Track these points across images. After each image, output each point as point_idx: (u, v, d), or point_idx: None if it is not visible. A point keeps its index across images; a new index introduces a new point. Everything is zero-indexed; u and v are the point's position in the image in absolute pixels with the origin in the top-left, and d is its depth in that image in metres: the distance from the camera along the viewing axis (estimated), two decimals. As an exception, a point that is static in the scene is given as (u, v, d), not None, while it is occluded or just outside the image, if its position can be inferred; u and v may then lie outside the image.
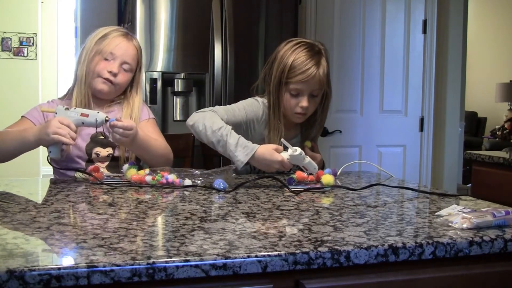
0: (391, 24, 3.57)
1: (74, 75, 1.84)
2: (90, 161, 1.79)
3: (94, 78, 1.80)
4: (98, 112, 1.61)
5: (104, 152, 1.81)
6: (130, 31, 1.88)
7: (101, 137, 1.80)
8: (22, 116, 1.81)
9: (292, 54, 1.76)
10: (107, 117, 1.60)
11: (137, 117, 1.85)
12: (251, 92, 1.93)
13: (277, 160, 1.62)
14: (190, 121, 1.78)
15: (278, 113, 1.82)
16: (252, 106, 1.86)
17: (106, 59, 1.79)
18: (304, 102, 1.77)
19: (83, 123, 1.61)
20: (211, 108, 1.81)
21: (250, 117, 1.84)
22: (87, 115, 1.61)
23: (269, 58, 1.86)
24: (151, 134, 1.82)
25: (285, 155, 1.62)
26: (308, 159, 1.62)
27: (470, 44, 5.01)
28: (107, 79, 1.79)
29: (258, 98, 1.89)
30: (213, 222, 1.12)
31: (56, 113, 1.64)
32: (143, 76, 2.83)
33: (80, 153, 1.78)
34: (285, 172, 1.76)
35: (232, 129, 1.70)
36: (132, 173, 1.57)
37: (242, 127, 1.84)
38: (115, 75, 1.79)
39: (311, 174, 1.62)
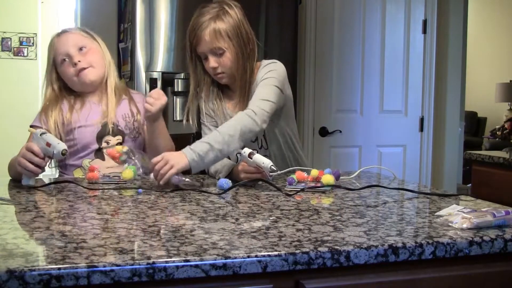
0: (391, 24, 3.56)
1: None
2: (99, 150, 1.82)
3: (73, 83, 1.84)
4: (58, 143, 1.51)
5: (114, 140, 1.83)
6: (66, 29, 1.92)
7: (111, 125, 1.83)
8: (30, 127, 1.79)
9: (191, 22, 1.80)
10: (64, 150, 1.50)
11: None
12: None
13: (239, 168, 1.66)
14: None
15: (196, 81, 1.85)
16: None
17: (64, 62, 1.82)
18: (211, 63, 1.77)
19: (46, 152, 1.52)
20: None
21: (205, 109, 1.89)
22: (49, 145, 1.50)
23: None
24: None
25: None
26: (254, 157, 1.59)
27: (470, 44, 5.01)
28: (80, 70, 1.81)
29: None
30: (213, 222, 1.12)
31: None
32: (143, 76, 2.83)
33: (90, 142, 1.81)
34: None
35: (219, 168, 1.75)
36: (129, 174, 1.57)
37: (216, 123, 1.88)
38: (80, 60, 1.81)
39: (272, 172, 1.58)
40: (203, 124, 1.90)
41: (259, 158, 1.59)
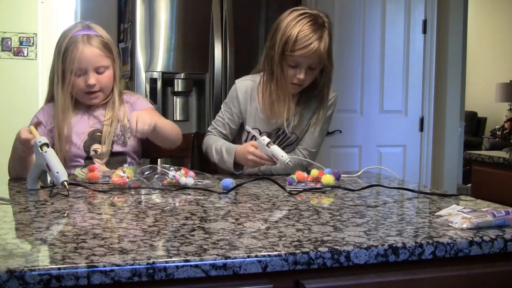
0: (391, 24, 3.56)
1: (50, 95, 1.82)
2: (89, 158, 1.79)
3: (80, 96, 1.80)
4: (58, 172, 1.43)
5: (104, 148, 1.80)
6: (87, 26, 1.80)
7: (99, 133, 1.80)
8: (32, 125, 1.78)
9: (295, 26, 1.74)
10: (65, 181, 1.42)
11: (124, 110, 1.86)
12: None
13: (248, 150, 1.69)
14: (203, 149, 1.92)
15: (278, 80, 1.83)
16: (231, 96, 1.93)
17: (78, 75, 1.75)
18: (301, 75, 1.78)
19: (42, 168, 1.48)
20: (209, 128, 1.96)
21: (235, 105, 1.91)
22: (49, 169, 1.44)
23: (273, 25, 1.85)
24: None
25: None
26: (272, 147, 1.62)
27: (470, 44, 5.01)
28: (91, 92, 1.78)
29: (238, 80, 1.96)
30: (213, 222, 1.12)
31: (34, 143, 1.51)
32: (143, 76, 2.83)
33: (78, 151, 1.78)
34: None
35: (223, 144, 1.83)
36: (129, 175, 1.56)
37: (235, 122, 1.91)
38: (95, 84, 1.77)
39: (283, 163, 1.61)
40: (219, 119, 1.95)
41: (277, 151, 1.61)
